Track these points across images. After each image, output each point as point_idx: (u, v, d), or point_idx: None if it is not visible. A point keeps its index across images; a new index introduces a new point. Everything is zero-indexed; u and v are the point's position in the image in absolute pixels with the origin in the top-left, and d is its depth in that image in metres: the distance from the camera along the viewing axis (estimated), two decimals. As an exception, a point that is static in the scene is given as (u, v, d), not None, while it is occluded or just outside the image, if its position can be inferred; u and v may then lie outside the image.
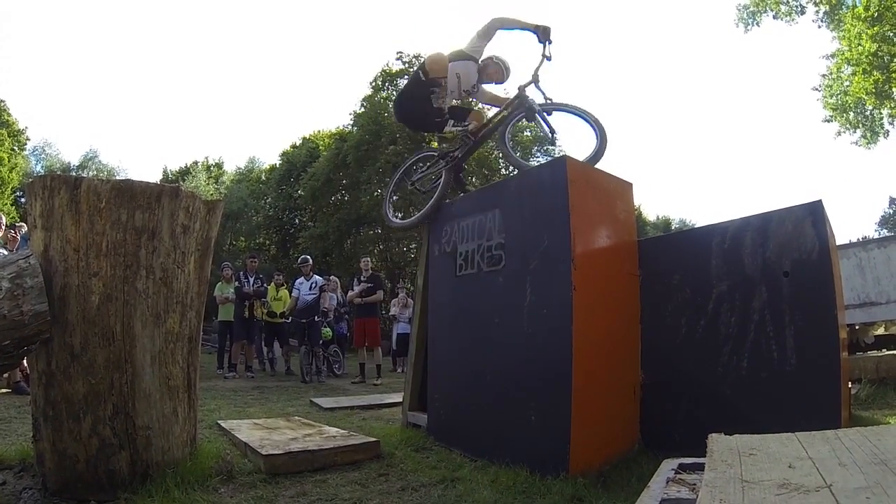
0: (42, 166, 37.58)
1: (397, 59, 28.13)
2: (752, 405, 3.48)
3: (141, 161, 55.27)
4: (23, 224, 7.45)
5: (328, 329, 10.87)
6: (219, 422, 4.81)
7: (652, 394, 4.02)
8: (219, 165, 41.52)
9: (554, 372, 3.50)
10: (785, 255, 3.49)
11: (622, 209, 4.18)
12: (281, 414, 5.52)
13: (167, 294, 3.17)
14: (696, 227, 7.54)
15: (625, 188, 4.38)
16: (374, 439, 4.10)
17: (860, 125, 23.03)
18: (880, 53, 18.88)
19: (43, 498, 2.82)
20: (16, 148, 32.12)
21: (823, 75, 22.83)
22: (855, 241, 12.64)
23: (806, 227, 3.43)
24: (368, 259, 11.40)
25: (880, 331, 8.10)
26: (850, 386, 4.85)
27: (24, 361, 4.77)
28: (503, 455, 3.67)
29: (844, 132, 23.30)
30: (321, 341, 10.18)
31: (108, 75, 73.78)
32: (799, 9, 18.48)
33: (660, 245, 4.41)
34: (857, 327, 7.81)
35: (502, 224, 4.10)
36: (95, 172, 39.71)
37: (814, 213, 3.44)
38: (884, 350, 8.04)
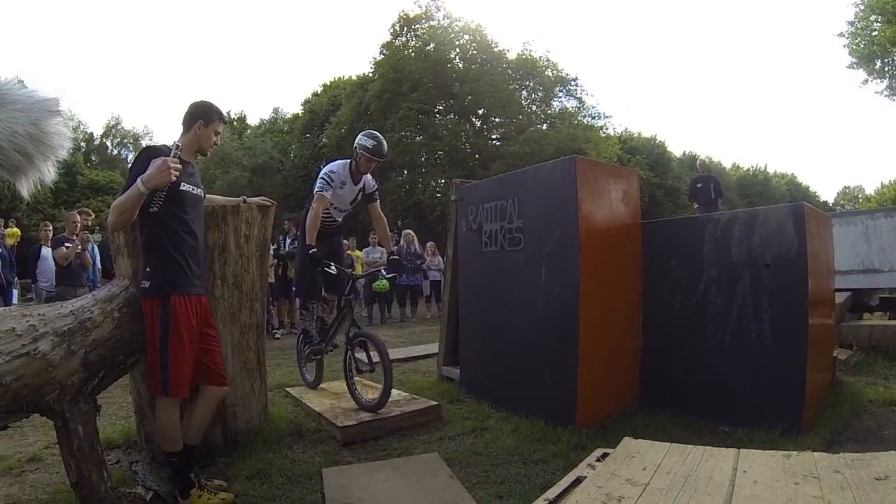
0: (66, 137, 37.36)
1: (415, 2, 28.00)
2: (732, 373, 4.08)
3: (165, 122, 54.98)
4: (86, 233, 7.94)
5: (385, 281, 11.51)
6: (287, 389, 5.35)
7: (651, 357, 4.61)
8: (241, 119, 41.53)
9: (564, 342, 4.08)
10: (767, 249, 3.96)
11: (627, 196, 4.59)
12: (333, 370, 5.74)
13: (238, 295, 3.70)
14: (693, 216, 7.83)
15: (630, 175, 4.84)
16: (434, 403, 4.56)
17: (886, 75, 22.66)
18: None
19: (153, 469, 3.35)
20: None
21: (850, 22, 22.33)
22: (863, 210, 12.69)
23: (787, 226, 3.88)
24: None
25: (885, 293, 8.34)
26: (835, 354, 5.25)
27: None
28: (523, 408, 4.32)
29: (871, 80, 22.92)
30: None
31: (125, 34, 73.10)
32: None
33: (660, 229, 4.84)
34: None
35: (520, 210, 4.59)
36: (119, 139, 39.71)
37: (795, 214, 3.88)
38: (887, 313, 8.48)
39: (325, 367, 5.29)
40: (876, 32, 20.58)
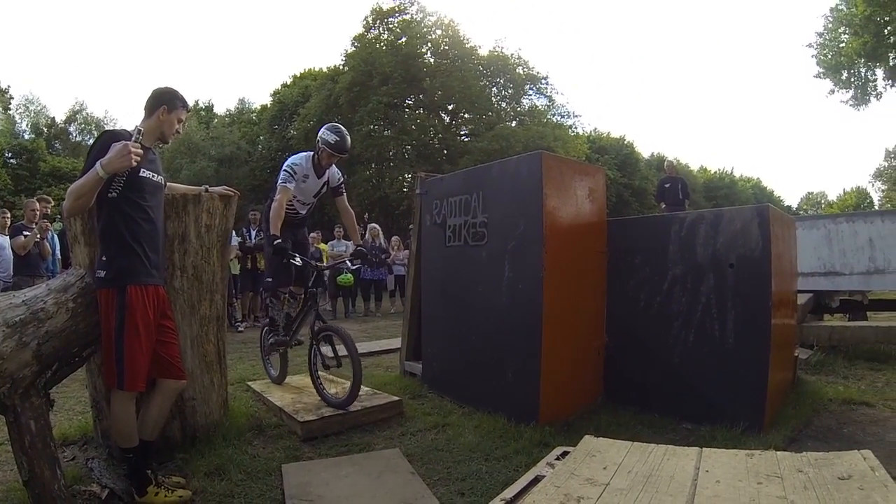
0: (27, 123, 35.43)
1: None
2: (695, 373, 4.13)
3: (128, 108, 53.24)
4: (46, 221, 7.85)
5: (349, 275, 11.39)
6: (248, 383, 5.29)
7: (614, 355, 4.64)
8: (209, 109, 40.57)
9: (527, 339, 4.07)
10: (732, 250, 4.01)
11: (593, 193, 4.57)
12: (294, 364, 5.64)
13: (199, 286, 3.63)
14: (658, 215, 7.92)
15: (596, 173, 4.83)
16: (396, 398, 4.52)
17: (852, 86, 23.18)
18: (874, 17, 18.97)
19: (109, 466, 3.25)
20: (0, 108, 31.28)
21: (819, 33, 22.87)
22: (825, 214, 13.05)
23: (752, 227, 3.93)
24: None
25: (845, 295, 8.58)
26: (797, 353, 5.37)
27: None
28: (486, 404, 4.30)
29: (837, 90, 23.46)
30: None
31: (90, 20, 70.85)
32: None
33: (626, 226, 4.86)
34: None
35: (485, 205, 4.54)
36: (83, 125, 38.46)
37: (760, 216, 3.93)
38: (847, 315, 8.66)
39: (289, 361, 5.20)
40: (843, 44, 21.10)
